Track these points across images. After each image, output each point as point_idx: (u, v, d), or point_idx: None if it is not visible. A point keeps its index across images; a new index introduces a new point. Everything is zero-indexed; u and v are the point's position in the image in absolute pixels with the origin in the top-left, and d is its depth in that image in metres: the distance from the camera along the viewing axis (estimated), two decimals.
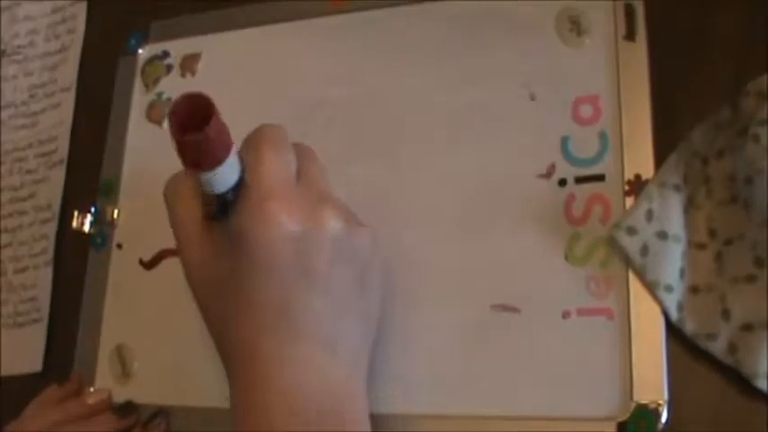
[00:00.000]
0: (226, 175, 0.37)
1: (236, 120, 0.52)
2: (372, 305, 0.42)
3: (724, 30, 0.45)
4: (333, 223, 0.39)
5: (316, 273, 0.38)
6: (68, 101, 0.58)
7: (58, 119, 0.58)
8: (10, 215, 0.58)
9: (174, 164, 0.53)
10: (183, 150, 0.36)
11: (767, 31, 0.44)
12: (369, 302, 0.41)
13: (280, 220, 0.38)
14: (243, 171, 0.38)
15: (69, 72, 0.59)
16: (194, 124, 0.34)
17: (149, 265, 0.52)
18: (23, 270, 0.56)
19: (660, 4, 0.46)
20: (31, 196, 0.57)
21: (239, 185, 0.38)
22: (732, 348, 0.40)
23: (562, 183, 0.45)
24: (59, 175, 0.57)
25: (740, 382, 0.39)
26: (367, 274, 0.41)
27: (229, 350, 0.40)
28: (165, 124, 0.54)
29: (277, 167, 0.39)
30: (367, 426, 0.39)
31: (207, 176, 0.36)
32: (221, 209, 0.38)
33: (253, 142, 0.40)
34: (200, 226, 0.40)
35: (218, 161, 0.36)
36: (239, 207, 0.38)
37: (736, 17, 0.45)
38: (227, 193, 0.37)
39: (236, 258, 0.38)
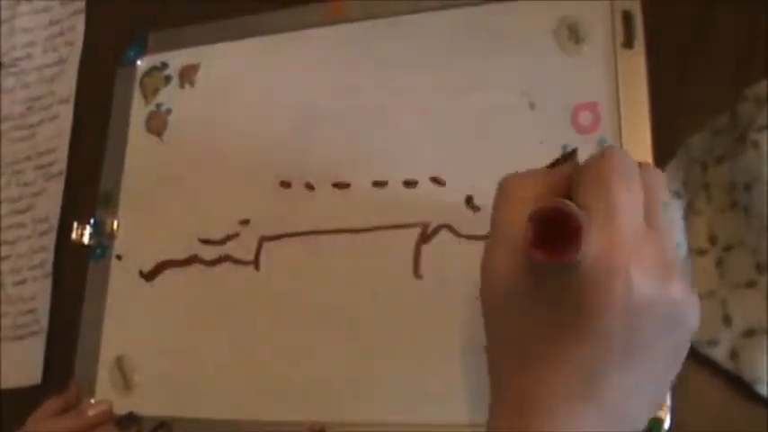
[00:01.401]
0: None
1: (235, 129, 0.53)
2: (669, 380, 0.36)
3: (723, 35, 0.45)
4: (679, 296, 0.33)
5: (642, 348, 0.33)
6: (66, 113, 0.58)
7: (56, 131, 0.58)
8: (8, 228, 0.57)
9: (173, 175, 0.54)
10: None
11: (766, 37, 0.45)
12: (669, 378, 0.36)
13: (628, 278, 0.31)
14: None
15: (67, 84, 0.59)
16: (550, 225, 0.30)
17: (150, 276, 0.52)
18: (22, 282, 0.56)
19: (658, 10, 0.46)
20: (30, 208, 0.57)
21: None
22: (733, 354, 0.40)
23: None
24: (58, 188, 0.56)
25: (742, 387, 0.40)
26: (681, 348, 0.35)
27: (510, 395, 0.35)
28: (165, 135, 0.55)
29: (628, 209, 0.33)
30: None
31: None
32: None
33: (601, 174, 0.33)
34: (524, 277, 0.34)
35: (571, 262, 0.31)
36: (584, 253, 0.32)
37: (734, 22, 0.45)
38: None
39: (566, 306, 0.33)
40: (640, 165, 0.34)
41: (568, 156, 0.36)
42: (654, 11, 0.46)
